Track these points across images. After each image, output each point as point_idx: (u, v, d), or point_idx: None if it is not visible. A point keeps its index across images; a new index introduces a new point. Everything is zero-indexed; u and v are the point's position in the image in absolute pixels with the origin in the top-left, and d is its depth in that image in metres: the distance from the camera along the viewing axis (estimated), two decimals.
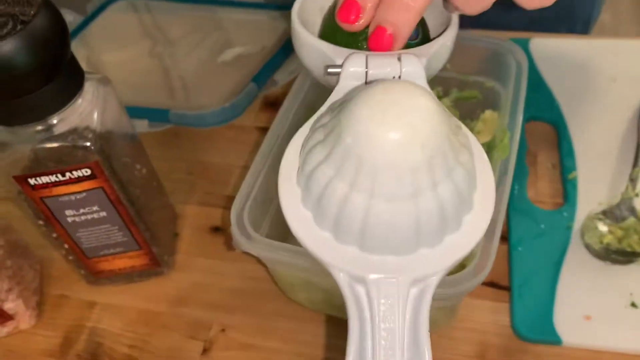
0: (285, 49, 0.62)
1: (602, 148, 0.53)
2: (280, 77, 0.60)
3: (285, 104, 0.46)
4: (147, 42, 0.70)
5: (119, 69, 0.67)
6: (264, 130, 0.59)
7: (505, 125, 0.42)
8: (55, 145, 0.39)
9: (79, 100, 0.39)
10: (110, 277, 0.49)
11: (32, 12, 0.35)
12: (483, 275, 0.35)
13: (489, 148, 0.48)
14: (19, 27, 0.34)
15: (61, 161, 0.39)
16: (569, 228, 0.48)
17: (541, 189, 0.52)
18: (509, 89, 0.47)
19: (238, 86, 0.59)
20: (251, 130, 0.60)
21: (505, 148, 0.41)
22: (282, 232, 0.43)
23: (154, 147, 0.52)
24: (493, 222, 0.36)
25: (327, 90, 0.31)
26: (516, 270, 0.46)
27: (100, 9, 0.76)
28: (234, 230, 0.38)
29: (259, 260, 0.42)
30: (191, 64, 0.63)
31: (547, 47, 0.61)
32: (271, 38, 0.64)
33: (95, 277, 0.49)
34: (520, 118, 0.43)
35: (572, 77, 0.59)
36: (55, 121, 0.38)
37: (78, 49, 0.69)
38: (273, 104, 0.61)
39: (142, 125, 0.55)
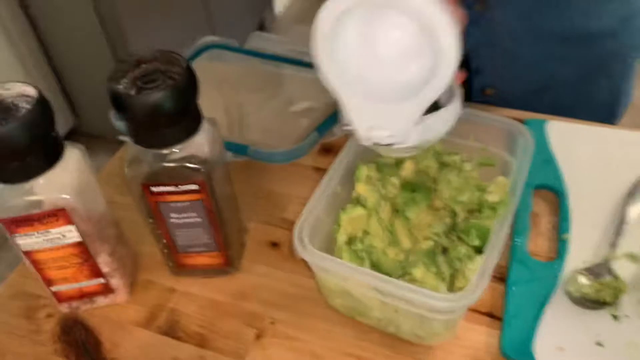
0: None
1: (593, 217, 0.65)
2: (338, 130, 0.74)
3: (341, 152, 0.61)
4: (230, 89, 0.85)
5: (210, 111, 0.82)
6: (319, 170, 0.73)
7: (508, 189, 0.55)
8: (173, 165, 0.53)
9: (197, 135, 0.54)
10: (190, 270, 0.63)
11: (179, 70, 0.50)
12: (475, 296, 0.48)
13: (497, 206, 0.60)
14: (168, 81, 0.49)
15: (176, 177, 0.54)
16: (555, 277, 0.60)
17: (540, 245, 0.64)
18: (518, 161, 0.60)
19: (304, 133, 0.73)
20: (309, 169, 0.74)
21: (506, 206, 0.54)
22: (328, 248, 0.57)
23: (233, 174, 0.66)
24: (491, 261, 0.49)
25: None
26: (509, 305, 0.58)
27: (195, 54, 0.92)
28: (295, 240, 0.52)
29: (308, 270, 0.55)
30: (268, 111, 0.78)
31: (560, 128, 0.74)
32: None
33: (179, 269, 0.63)
34: (521, 185, 0.55)
35: (578, 156, 0.71)
36: (178, 149, 0.53)
37: None
38: (329, 150, 0.76)
39: (228, 156, 0.70)
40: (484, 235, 0.58)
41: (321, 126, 0.73)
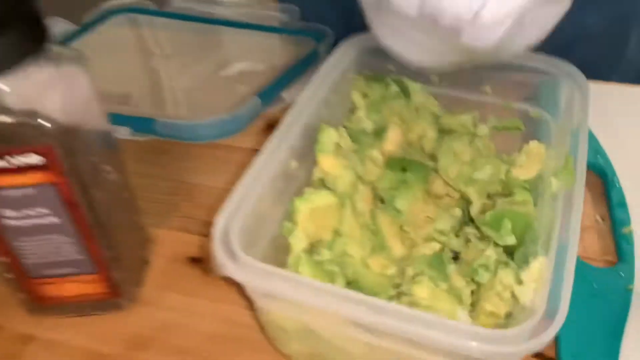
0: (298, 68, 0.55)
1: None
2: (289, 95, 0.52)
3: (297, 101, 0.39)
4: (142, 56, 0.63)
5: (107, 81, 0.59)
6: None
7: (568, 151, 0.35)
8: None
9: (37, 68, 0.31)
10: (57, 306, 0.39)
11: None
12: (548, 335, 0.26)
13: (533, 186, 0.40)
14: None
15: (5, 140, 0.31)
16: (628, 291, 0.39)
17: (589, 245, 0.44)
18: (561, 119, 0.40)
19: (240, 102, 0.51)
20: (248, 153, 0.52)
21: (570, 174, 0.33)
22: (277, 260, 0.35)
23: (135, 162, 0.44)
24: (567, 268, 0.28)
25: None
26: (566, 340, 0.37)
27: (98, 20, 0.70)
28: (216, 246, 0.29)
29: (244, 299, 0.33)
30: (189, 78, 0.56)
31: (593, 92, 0.54)
32: (282, 58, 0.57)
33: (38, 304, 0.39)
34: (585, 149, 0.35)
35: (619, 125, 0.52)
36: (5, 88, 0.30)
37: None
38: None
39: (123, 132, 0.47)
40: (522, 228, 0.37)
41: (265, 92, 0.52)
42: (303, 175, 0.39)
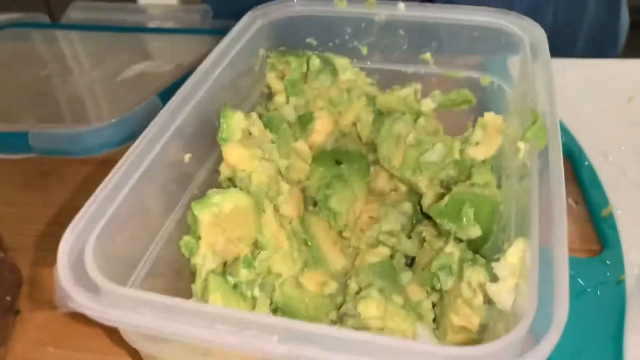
0: None
1: (635, 175, 0.39)
2: None
3: (197, 73, 0.31)
4: (29, 70, 0.53)
5: None
6: None
7: (533, 109, 0.27)
8: None
9: None
10: None
11: None
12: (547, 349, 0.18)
13: (495, 166, 0.32)
14: None
15: None
16: (620, 282, 0.32)
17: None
18: (519, 83, 0.33)
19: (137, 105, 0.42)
20: None
21: (540, 131, 0.26)
22: (183, 288, 0.25)
23: (10, 189, 0.34)
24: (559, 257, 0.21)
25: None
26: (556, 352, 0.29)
27: None
28: (61, 270, 0.20)
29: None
30: (81, 85, 0.47)
31: None
32: (187, 57, 0.49)
33: None
34: (556, 113, 0.28)
35: (581, 100, 0.46)
36: None
37: None
38: None
39: None
40: (487, 216, 0.29)
41: (166, 91, 0.43)
42: (204, 175, 0.30)
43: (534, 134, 0.26)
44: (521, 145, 0.27)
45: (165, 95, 0.43)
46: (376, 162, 0.37)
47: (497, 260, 0.23)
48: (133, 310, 0.20)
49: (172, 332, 0.20)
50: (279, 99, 0.36)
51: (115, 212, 0.23)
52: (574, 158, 0.41)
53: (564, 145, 0.42)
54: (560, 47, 0.52)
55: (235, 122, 0.29)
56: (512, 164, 0.30)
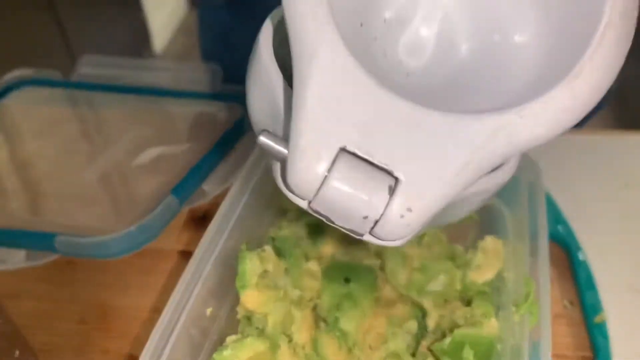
0: (218, 148, 0.49)
1: (632, 277, 0.41)
2: (210, 187, 0.46)
3: (216, 220, 0.33)
4: (39, 141, 0.55)
5: None
6: (188, 255, 0.44)
7: (526, 269, 0.29)
8: None
9: None
10: None
11: None
12: None
13: (494, 288, 0.34)
14: None
15: None
16: None
17: (560, 338, 0.39)
18: (516, 209, 0.35)
19: (155, 199, 0.44)
20: (171, 256, 0.45)
21: (532, 307, 0.28)
22: None
23: (30, 282, 0.37)
24: None
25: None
26: None
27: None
28: None
29: None
30: (95, 171, 0.49)
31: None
32: (204, 132, 0.51)
33: None
34: (546, 255, 0.30)
35: (577, 181, 0.48)
36: None
37: None
38: (202, 219, 0.47)
39: (16, 259, 0.40)
40: (484, 354, 0.31)
41: (179, 185, 0.45)
42: (224, 315, 0.32)
43: (527, 310, 0.28)
44: (515, 316, 0.29)
45: (180, 190, 0.45)
46: (382, 268, 0.39)
47: None
48: None
49: None
50: (291, 214, 0.38)
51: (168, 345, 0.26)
52: (570, 253, 0.43)
53: (561, 237, 0.44)
54: None
55: (252, 267, 0.32)
56: (510, 296, 0.32)
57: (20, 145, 0.55)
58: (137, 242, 0.41)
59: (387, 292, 0.39)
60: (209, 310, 0.31)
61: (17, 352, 0.34)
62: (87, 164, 0.50)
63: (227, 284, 0.32)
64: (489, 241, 0.35)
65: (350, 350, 0.36)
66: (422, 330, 0.37)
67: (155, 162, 0.49)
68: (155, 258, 0.45)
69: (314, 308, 0.37)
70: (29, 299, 0.43)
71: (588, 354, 0.38)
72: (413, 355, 0.35)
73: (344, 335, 0.36)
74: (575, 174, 0.48)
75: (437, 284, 0.34)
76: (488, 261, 0.35)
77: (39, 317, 0.42)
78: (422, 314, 0.37)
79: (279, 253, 0.35)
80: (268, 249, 0.34)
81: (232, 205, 0.33)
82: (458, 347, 0.31)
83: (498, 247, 0.35)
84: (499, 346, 0.31)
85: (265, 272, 0.33)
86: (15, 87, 0.63)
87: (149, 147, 0.49)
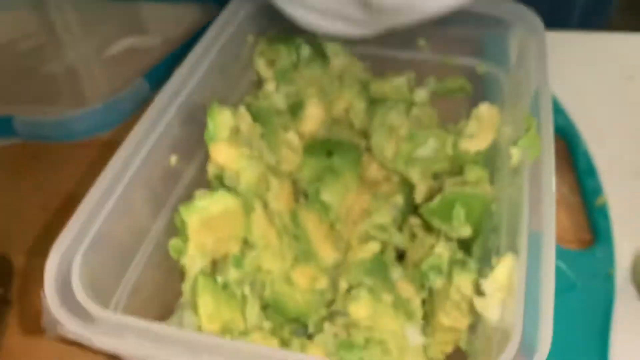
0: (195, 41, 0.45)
1: (632, 162, 0.39)
2: None
3: (182, 68, 0.30)
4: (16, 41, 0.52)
5: None
6: None
7: (528, 111, 0.27)
8: None
9: None
10: None
11: None
12: None
13: (488, 160, 0.32)
14: None
15: None
16: (609, 277, 0.32)
17: (559, 223, 0.36)
18: (514, 73, 0.32)
19: (125, 85, 0.41)
20: None
21: (534, 141, 0.25)
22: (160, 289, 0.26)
23: None
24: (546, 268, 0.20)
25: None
26: None
27: None
28: (49, 295, 0.20)
29: None
30: (63, 62, 0.45)
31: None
32: (178, 30, 0.47)
33: None
34: (549, 107, 0.27)
35: (579, 77, 0.45)
36: None
37: None
38: None
39: None
40: (478, 215, 0.29)
41: (152, 71, 0.42)
42: (191, 173, 0.29)
43: (527, 143, 0.25)
44: (514, 151, 0.26)
45: (152, 75, 0.42)
46: (368, 149, 0.36)
47: (485, 274, 0.23)
48: (122, 337, 0.20)
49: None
50: (269, 86, 0.35)
51: (102, 225, 0.23)
52: (570, 142, 0.41)
53: (560, 127, 0.41)
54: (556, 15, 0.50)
55: (223, 119, 0.29)
56: (505, 162, 0.29)
57: None
58: (103, 122, 0.38)
59: (372, 172, 0.36)
60: (173, 159, 0.28)
61: None
62: (51, 60, 0.47)
63: (196, 141, 0.29)
64: (483, 108, 0.32)
65: (332, 226, 0.34)
66: (409, 206, 0.34)
67: (126, 53, 0.45)
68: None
69: (294, 183, 0.34)
70: None
71: (587, 236, 0.36)
72: (400, 230, 0.33)
73: (325, 208, 0.33)
74: (578, 71, 0.46)
75: (426, 149, 0.32)
76: (482, 130, 0.32)
77: (1, 207, 0.39)
78: (410, 189, 0.34)
79: (255, 119, 0.32)
80: (242, 109, 0.31)
81: (201, 57, 0.30)
82: (448, 206, 0.29)
83: (493, 114, 0.32)
84: (493, 206, 0.28)
85: (238, 131, 0.30)
86: None
87: (120, 38, 0.46)
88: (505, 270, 0.22)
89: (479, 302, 0.23)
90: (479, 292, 0.24)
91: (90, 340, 0.20)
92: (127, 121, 0.39)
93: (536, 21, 0.31)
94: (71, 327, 0.20)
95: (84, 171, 0.41)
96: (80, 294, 0.21)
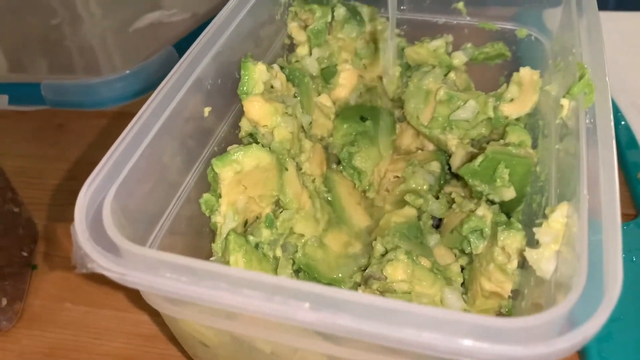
0: None
1: None
2: None
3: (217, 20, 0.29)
4: (42, 17, 0.51)
5: None
6: None
7: (578, 62, 0.25)
8: None
9: None
10: None
11: None
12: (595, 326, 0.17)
13: (530, 125, 0.30)
14: None
15: None
16: None
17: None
18: (560, 35, 0.31)
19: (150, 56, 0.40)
20: None
21: (588, 87, 0.24)
22: (202, 248, 0.25)
23: (23, 142, 0.34)
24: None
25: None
26: None
27: None
28: (79, 229, 0.19)
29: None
30: (93, 35, 0.45)
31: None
32: (203, 5, 0.47)
33: None
34: (605, 68, 0.25)
35: (616, 56, 0.43)
36: None
37: None
38: None
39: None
40: (522, 177, 0.27)
41: (181, 41, 0.41)
42: (225, 129, 0.28)
43: (580, 90, 0.24)
44: (564, 102, 0.25)
45: (182, 45, 0.41)
46: (402, 118, 0.35)
47: (539, 225, 0.22)
48: (154, 272, 0.19)
49: (197, 296, 0.19)
50: (302, 50, 0.34)
51: (133, 167, 0.22)
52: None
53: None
54: None
55: (257, 74, 0.28)
56: (551, 123, 0.28)
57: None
58: (131, 90, 0.37)
59: (406, 139, 0.35)
60: (207, 110, 0.27)
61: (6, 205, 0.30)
62: (81, 33, 0.46)
63: (229, 97, 0.28)
64: (525, 72, 0.31)
65: (364, 193, 0.32)
66: (444, 175, 0.33)
67: (152, 27, 0.45)
68: None
69: (326, 148, 0.33)
70: (19, 157, 0.39)
71: (630, 210, 0.34)
72: (436, 197, 0.32)
73: (358, 174, 0.32)
74: (615, 50, 0.44)
75: (465, 112, 0.30)
76: (523, 94, 0.31)
77: (27, 174, 0.38)
78: (445, 159, 0.33)
79: (288, 79, 0.31)
80: (276, 66, 0.30)
81: (228, 18, 0.29)
82: (491, 165, 0.27)
83: (535, 78, 0.31)
84: (538, 168, 0.27)
85: (272, 87, 0.29)
86: None
87: (148, 13, 0.45)
88: (560, 218, 0.21)
89: (531, 254, 0.21)
90: (530, 245, 0.22)
91: (123, 276, 0.19)
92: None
93: None
94: (102, 262, 0.19)
95: (109, 141, 0.40)
96: (112, 230, 0.20)
